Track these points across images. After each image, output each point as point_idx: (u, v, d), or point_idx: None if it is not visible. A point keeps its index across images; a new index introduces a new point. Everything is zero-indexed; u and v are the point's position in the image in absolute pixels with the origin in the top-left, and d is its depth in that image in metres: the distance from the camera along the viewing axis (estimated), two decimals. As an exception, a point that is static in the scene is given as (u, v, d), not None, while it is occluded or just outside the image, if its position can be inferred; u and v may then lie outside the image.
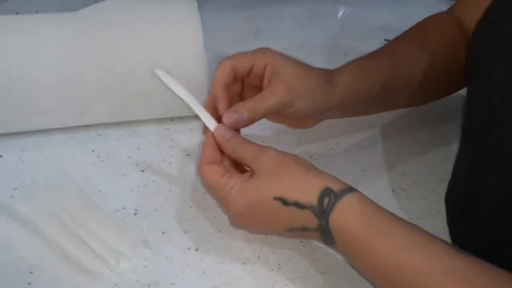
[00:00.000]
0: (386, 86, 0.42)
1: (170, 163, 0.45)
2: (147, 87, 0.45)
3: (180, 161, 0.45)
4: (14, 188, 0.41)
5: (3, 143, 0.46)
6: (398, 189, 0.43)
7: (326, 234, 0.30)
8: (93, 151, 0.46)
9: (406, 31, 0.47)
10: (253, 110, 0.36)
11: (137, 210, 0.39)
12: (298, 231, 0.32)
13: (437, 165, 0.47)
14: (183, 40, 0.45)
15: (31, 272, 0.34)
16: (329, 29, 0.80)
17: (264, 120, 0.48)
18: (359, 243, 0.29)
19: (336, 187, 0.30)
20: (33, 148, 0.46)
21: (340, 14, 0.87)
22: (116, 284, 0.33)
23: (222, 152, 0.36)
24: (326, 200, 0.30)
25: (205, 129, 0.38)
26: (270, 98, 0.37)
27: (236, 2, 0.88)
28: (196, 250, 0.36)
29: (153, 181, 0.42)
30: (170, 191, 0.42)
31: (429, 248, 0.28)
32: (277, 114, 0.39)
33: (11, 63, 0.42)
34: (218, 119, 0.37)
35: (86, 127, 0.48)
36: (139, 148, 0.46)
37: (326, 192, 0.30)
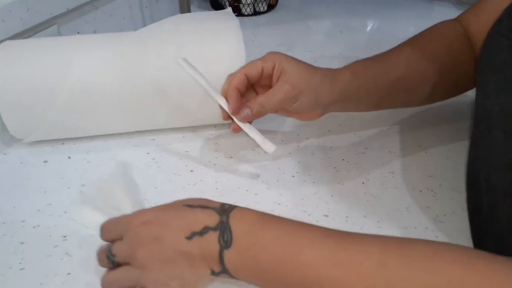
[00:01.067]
0: (386, 86, 0.47)
1: (215, 164, 0.50)
2: (195, 98, 0.50)
3: (224, 162, 0.50)
4: (82, 185, 0.47)
5: (70, 146, 0.52)
6: (425, 189, 0.47)
7: (225, 231, 0.31)
8: (148, 153, 0.51)
9: (414, 36, 0.51)
10: (261, 105, 0.43)
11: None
12: (197, 237, 0.31)
13: (462, 168, 0.49)
14: (227, 55, 0.50)
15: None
16: (358, 42, 0.85)
17: (305, 128, 0.53)
18: (254, 230, 0.30)
19: (232, 205, 0.33)
20: (96, 151, 0.52)
21: (368, 28, 0.92)
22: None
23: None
24: (226, 206, 0.33)
25: (225, 114, 0.45)
26: (276, 95, 0.43)
27: (270, 18, 0.94)
28: (241, 239, 0.41)
29: (201, 180, 0.48)
30: (216, 188, 0.46)
31: (315, 234, 0.30)
32: (285, 108, 0.45)
33: (77, 77, 0.48)
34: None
35: (141, 132, 0.54)
36: (187, 151, 0.52)
37: (225, 204, 0.33)
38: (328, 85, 0.45)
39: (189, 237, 0.31)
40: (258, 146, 0.44)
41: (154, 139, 0.54)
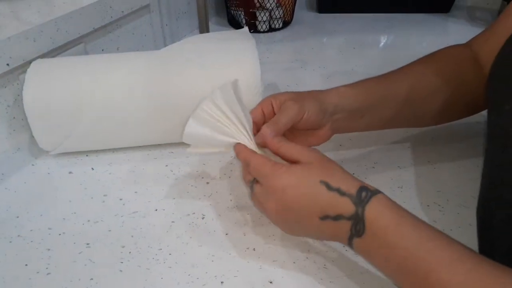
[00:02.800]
0: (393, 99, 0.49)
1: (230, 177, 0.52)
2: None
3: (239, 174, 0.52)
4: (104, 195, 0.50)
5: (94, 158, 0.55)
6: (432, 204, 0.48)
7: (358, 223, 0.34)
8: (166, 165, 0.54)
9: (423, 57, 0.52)
10: (274, 122, 0.42)
11: (204, 215, 0.47)
12: (330, 220, 0.35)
13: (470, 184, 0.51)
14: (243, 74, 0.52)
15: (123, 247, 0.42)
16: (372, 58, 0.86)
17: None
18: (388, 233, 0.32)
19: (371, 188, 0.35)
20: (118, 163, 0.55)
21: (382, 44, 0.93)
22: (189, 275, 0.40)
23: None
24: (363, 194, 0.34)
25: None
26: (284, 112, 0.43)
27: (285, 35, 0.96)
28: (254, 249, 0.43)
29: (217, 192, 0.50)
30: (231, 200, 0.49)
31: (449, 243, 0.32)
32: (297, 128, 0.45)
33: (103, 94, 0.51)
34: None
35: (160, 145, 0.57)
36: (204, 164, 0.54)
37: (363, 189, 0.35)
38: (326, 93, 0.47)
39: (323, 218, 0.35)
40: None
41: (172, 152, 0.56)
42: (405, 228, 0.32)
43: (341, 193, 0.34)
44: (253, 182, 0.40)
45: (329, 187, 0.35)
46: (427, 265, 0.30)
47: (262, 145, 0.42)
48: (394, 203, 0.35)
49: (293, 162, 0.38)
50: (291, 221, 0.38)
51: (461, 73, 0.50)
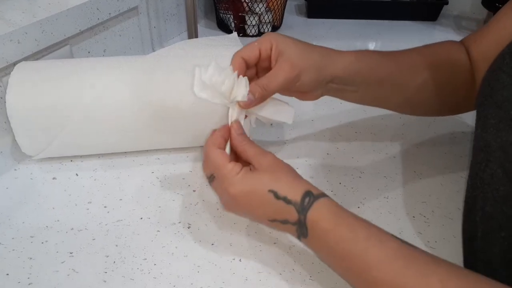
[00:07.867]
0: (384, 80, 0.49)
1: (217, 185, 0.52)
2: (199, 119, 0.52)
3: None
4: (89, 202, 0.49)
5: (78, 163, 0.54)
6: (418, 215, 0.49)
7: (301, 228, 0.37)
8: (152, 172, 0.53)
9: (418, 47, 0.53)
10: (263, 88, 0.43)
11: (190, 224, 0.46)
12: (278, 223, 0.38)
13: (455, 195, 0.51)
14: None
15: (107, 256, 0.41)
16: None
17: (305, 150, 0.55)
18: (328, 235, 0.35)
19: (315, 192, 0.37)
20: (103, 168, 0.54)
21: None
22: (174, 286, 0.40)
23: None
24: (306, 200, 0.37)
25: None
26: (278, 76, 0.43)
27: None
28: (240, 260, 0.42)
29: (203, 200, 0.49)
30: (217, 209, 0.48)
31: (384, 241, 0.34)
32: (287, 89, 0.46)
33: (88, 100, 0.50)
34: None
35: (146, 152, 0.56)
36: (191, 171, 0.54)
37: (307, 194, 0.37)
38: (329, 61, 0.46)
39: (271, 221, 0.38)
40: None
41: (159, 158, 0.56)
42: (342, 229, 0.35)
43: (287, 201, 0.37)
44: (211, 178, 0.41)
45: (276, 196, 0.37)
46: (363, 264, 0.33)
47: (245, 107, 0.43)
48: (334, 205, 0.37)
49: (247, 163, 0.41)
50: (243, 215, 0.42)
51: (451, 67, 0.51)
